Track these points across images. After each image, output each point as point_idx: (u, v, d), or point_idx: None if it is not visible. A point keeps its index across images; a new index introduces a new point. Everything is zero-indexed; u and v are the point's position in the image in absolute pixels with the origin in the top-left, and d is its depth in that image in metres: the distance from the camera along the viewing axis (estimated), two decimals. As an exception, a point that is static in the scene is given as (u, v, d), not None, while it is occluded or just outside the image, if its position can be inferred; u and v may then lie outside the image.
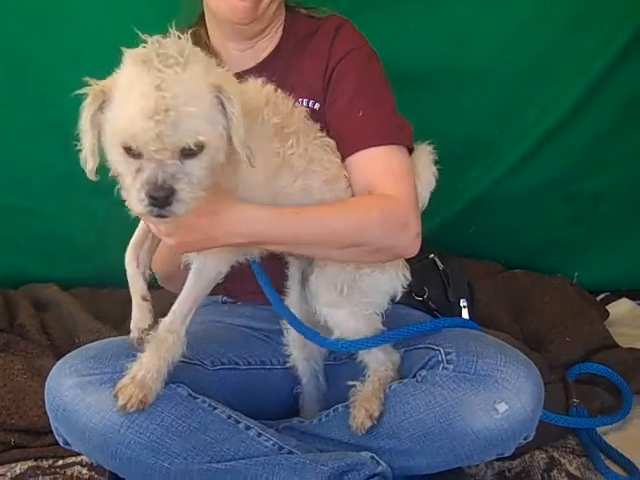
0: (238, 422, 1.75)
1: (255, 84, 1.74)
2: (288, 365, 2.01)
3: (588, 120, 2.91)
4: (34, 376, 2.28)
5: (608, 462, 2.12)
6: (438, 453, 1.72)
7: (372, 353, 1.83)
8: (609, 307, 3.03)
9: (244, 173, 1.60)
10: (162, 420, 1.68)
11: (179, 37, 1.47)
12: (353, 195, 1.83)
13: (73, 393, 1.67)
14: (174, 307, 1.69)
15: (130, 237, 1.80)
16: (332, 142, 1.85)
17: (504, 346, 1.78)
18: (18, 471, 2.09)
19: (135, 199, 1.40)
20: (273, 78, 1.91)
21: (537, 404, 1.71)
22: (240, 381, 1.97)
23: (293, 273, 1.93)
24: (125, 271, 1.79)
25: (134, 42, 1.47)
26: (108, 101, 1.44)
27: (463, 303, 2.27)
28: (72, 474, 2.07)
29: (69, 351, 1.83)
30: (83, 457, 2.08)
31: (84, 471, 2.08)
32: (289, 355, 2.00)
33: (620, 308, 3.06)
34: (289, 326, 1.91)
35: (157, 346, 1.65)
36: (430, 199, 1.93)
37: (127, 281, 1.79)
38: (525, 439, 1.75)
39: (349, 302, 1.80)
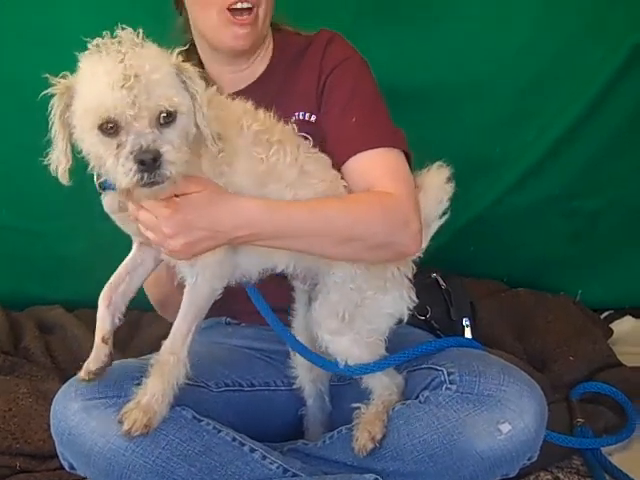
0: (243, 445, 1.76)
1: (237, 101, 1.77)
2: (294, 387, 2.02)
3: (588, 138, 2.93)
4: (39, 400, 2.27)
5: (613, 483, 2.12)
6: (442, 474, 1.72)
7: (376, 377, 1.83)
8: (613, 325, 3.03)
9: (231, 178, 1.64)
10: (167, 444, 1.68)
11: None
12: None
13: (78, 417, 1.67)
14: (173, 329, 1.69)
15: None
16: (326, 157, 1.86)
17: (507, 366, 1.78)
18: (23, 495, 2.08)
19: (122, 173, 1.41)
20: (269, 95, 1.94)
21: (541, 424, 1.70)
22: (244, 403, 1.97)
23: (299, 298, 1.94)
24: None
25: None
26: (74, 96, 1.47)
27: (466, 322, 2.27)
28: (77, 498, 2.06)
29: (74, 374, 1.82)
30: (88, 481, 2.07)
31: (89, 495, 2.07)
32: (294, 376, 2.01)
33: (624, 326, 3.05)
34: (295, 348, 1.93)
35: (160, 369, 1.65)
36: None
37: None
38: (529, 459, 1.74)
39: (351, 329, 1.80)
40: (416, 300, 1.89)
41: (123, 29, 1.48)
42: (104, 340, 1.71)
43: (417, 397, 1.77)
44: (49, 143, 1.52)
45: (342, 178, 1.85)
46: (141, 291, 1.88)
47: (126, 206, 1.62)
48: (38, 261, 3.04)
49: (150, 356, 1.73)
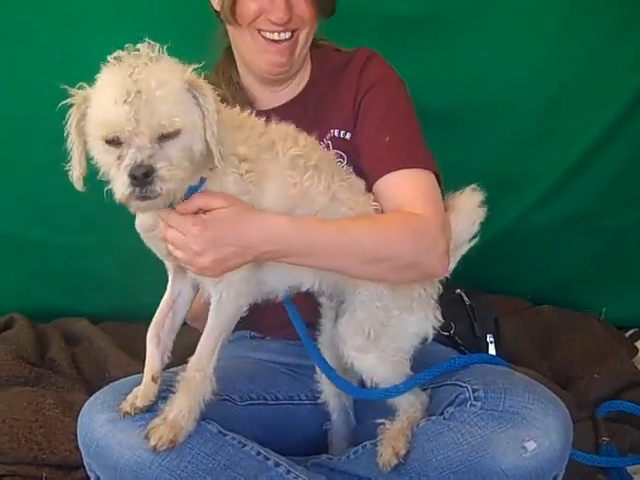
0: (267, 459, 1.76)
1: (280, 125, 1.78)
2: (318, 401, 2.03)
3: (611, 155, 2.92)
4: (65, 410, 2.30)
5: (639, 502, 2.11)
6: (467, 491, 1.71)
7: (402, 395, 1.83)
8: (638, 343, 3.01)
9: (258, 198, 1.65)
10: (192, 457, 1.68)
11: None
12: None
13: (105, 429, 1.68)
14: (199, 346, 1.70)
15: (159, 271, 1.82)
16: (360, 183, 1.87)
17: (532, 383, 1.78)
18: (49, 505, 2.10)
19: (118, 183, 1.45)
20: (308, 111, 1.96)
21: (566, 442, 1.69)
22: (269, 416, 1.98)
23: (326, 313, 1.95)
24: (154, 305, 1.81)
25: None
26: (89, 106, 1.50)
27: (490, 339, 2.26)
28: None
29: (99, 386, 1.85)
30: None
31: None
32: (318, 391, 2.02)
33: (649, 344, 3.03)
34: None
35: (187, 385, 1.66)
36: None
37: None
38: (555, 478, 1.73)
39: (377, 347, 1.81)
40: (442, 320, 1.89)
41: (149, 44, 1.51)
42: (154, 379, 1.73)
43: (442, 414, 1.77)
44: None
45: (374, 199, 1.86)
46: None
47: (156, 225, 1.65)
48: (64, 274, 3.07)
49: (177, 369, 1.75)
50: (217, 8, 1.98)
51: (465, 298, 2.34)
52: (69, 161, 1.56)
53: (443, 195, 1.93)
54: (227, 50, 2.09)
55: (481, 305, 2.34)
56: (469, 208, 1.91)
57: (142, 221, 1.68)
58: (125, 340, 2.88)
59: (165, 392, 1.71)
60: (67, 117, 1.53)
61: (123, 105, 1.41)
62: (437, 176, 1.92)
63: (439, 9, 2.80)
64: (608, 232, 3.08)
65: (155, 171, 1.43)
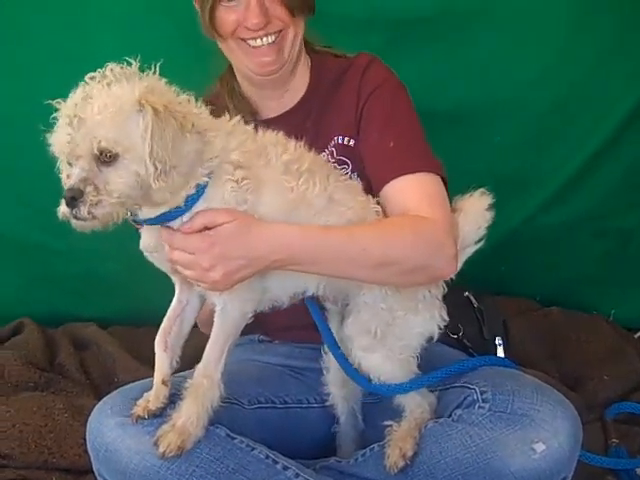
0: (276, 462, 1.76)
1: (268, 132, 1.78)
2: (327, 404, 2.02)
3: (618, 157, 2.92)
4: (75, 415, 2.30)
5: (648, 503, 2.10)
6: (475, 493, 1.71)
7: (409, 396, 1.83)
8: (647, 344, 2.99)
9: (256, 206, 1.65)
10: (201, 462, 1.69)
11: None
12: None
13: (115, 434, 1.69)
14: (205, 352, 1.71)
15: (165, 276, 1.81)
16: (357, 184, 1.88)
17: (541, 385, 1.77)
18: (59, 509, 2.11)
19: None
20: (309, 119, 1.96)
21: (575, 444, 1.69)
22: (277, 419, 1.98)
23: (331, 315, 1.94)
24: (162, 309, 1.82)
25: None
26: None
27: (498, 341, 2.26)
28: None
29: (108, 390, 1.85)
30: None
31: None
32: (326, 393, 2.02)
33: (658, 345, 3.01)
34: (328, 365, 1.94)
35: (195, 392, 1.67)
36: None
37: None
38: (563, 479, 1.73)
39: (383, 346, 1.81)
40: (447, 319, 1.89)
41: (129, 64, 1.56)
42: (164, 382, 1.74)
43: (450, 415, 1.77)
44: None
45: (378, 202, 1.86)
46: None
47: (157, 247, 1.67)
48: (73, 280, 3.08)
49: (186, 373, 1.76)
50: (202, 27, 1.98)
51: (473, 301, 2.34)
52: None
53: (449, 198, 1.93)
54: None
55: (489, 308, 2.34)
56: (477, 211, 1.91)
57: (144, 241, 1.71)
58: (133, 345, 2.89)
59: (174, 397, 1.71)
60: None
61: (66, 127, 1.48)
62: (442, 178, 1.91)
63: (446, 11, 2.80)
64: (615, 234, 3.07)
65: (83, 195, 1.46)
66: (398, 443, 1.77)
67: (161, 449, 1.64)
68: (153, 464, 1.66)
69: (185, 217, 1.61)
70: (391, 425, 1.83)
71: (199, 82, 1.93)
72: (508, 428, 1.67)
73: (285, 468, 1.76)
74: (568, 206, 3.00)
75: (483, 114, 2.88)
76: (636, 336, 3.08)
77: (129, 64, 1.56)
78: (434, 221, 1.79)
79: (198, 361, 1.71)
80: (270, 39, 1.92)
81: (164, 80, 1.60)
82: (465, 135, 2.87)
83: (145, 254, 1.73)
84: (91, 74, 1.53)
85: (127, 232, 1.79)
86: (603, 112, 2.88)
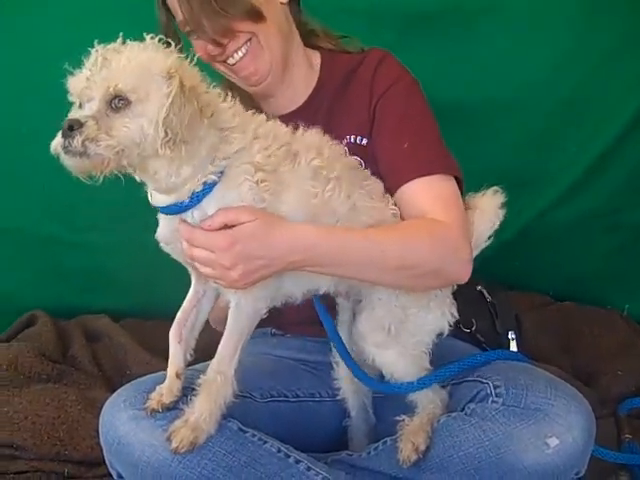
0: (288, 456, 1.76)
1: (306, 133, 1.77)
2: (338, 398, 2.02)
3: (630, 151, 2.90)
4: (87, 407, 2.30)
5: (661, 499, 2.09)
6: (488, 488, 1.70)
7: (421, 391, 1.83)
8: (662, 340, 2.97)
9: (275, 205, 1.64)
10: (213, 455, 1.69)
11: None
12: None
13: (127, 427, 1.69)
14: (219, 348, 1.71)
15: (178, 269, 1.82)
16: (378, 187, 1.86)
17: (554, 380, 1.77)
18: (71, 501, 2.12)
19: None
20: (319, 116, 1.95)
21: (588, 439, 1.68)
22: (289, 413, 1.98)
23: (343, 315, 1.95)
24: (173, 302, 1.82)
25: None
26: None
27: (511, 335, 2.25)
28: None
29: (120, 382, 1.86)
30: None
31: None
32: (338, 388, 2.01)
33: (671, 340, 2.99)
34: (339, 359, 1.93)
35: (208, 388, 1.67)
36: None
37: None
38: (577, 474, 1.72)
39: (397, 342, 1.81)
40: (457, 316, 1.89)
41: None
42: (177, 375, 1.74)
43: (463, 409, 1.77)
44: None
45: (394, 203, 1.86)
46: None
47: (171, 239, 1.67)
48: (85, 272, 3.09)
49: (199, 366, 1.77)
50: None
51: (486, 295, 2.33)
52: None
53: (463, 195, 1.92)
54: None
55: (502, 302, 2.33)
56: (491, 210, 1.91)
57: (160, 231, 1.70)
58: (144, 337, 2.88)
59: (187, 390, 1.71)
60: None
61: (90, 67, 1.48)
62: (457, 179, 1.91)
63: (454, 7, 2.78)
64: (628, 228, 3.05)
65: (81, 126, 1.44)
66: (410, 437, 1.77)
67: (174, 444, 1.64)
68: (165, 457, 1.66)
69: (195, 213, 1.61)
70: (403, 419, 1.83)
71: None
72: (521, 422, 1.67)
73: (297, 462, 1.76)
74: (580, 201, 2.99)
75: (493, 112, 2.86)
76: (650, 331, 3.06)
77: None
78: (449, 225, 1.79)
79: (210, 354, 1.71)
80: (242, 52, 1.91)
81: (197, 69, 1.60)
82: (475, 131, 2.85)
83: (160, 244, 1.72)
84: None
85: (140, 225, 1.79)
86: (613, 108, 2.86)
